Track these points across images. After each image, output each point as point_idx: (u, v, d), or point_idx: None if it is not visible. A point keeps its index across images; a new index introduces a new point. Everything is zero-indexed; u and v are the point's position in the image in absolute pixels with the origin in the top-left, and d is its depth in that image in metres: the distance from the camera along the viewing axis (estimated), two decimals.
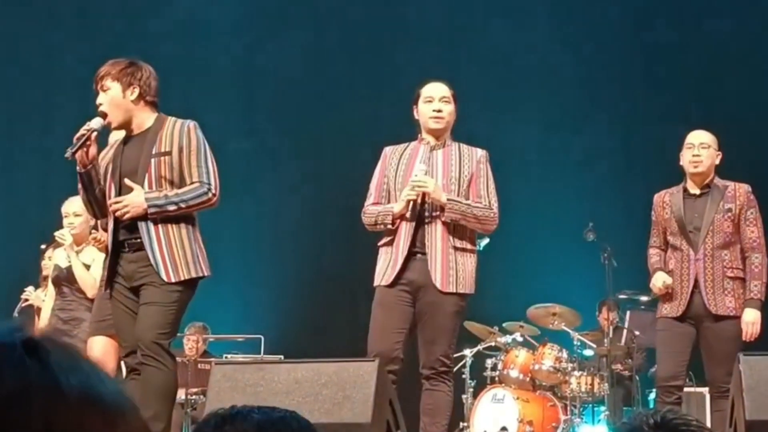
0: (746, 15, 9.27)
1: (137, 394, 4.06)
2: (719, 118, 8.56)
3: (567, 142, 9.33)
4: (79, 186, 4.30)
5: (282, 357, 7.52)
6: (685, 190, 5.13)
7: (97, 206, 4.34)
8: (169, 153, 4.17)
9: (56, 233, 5.84)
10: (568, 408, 7.23)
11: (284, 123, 9.66)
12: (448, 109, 4.63)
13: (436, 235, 4.50)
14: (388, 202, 4.62)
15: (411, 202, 4.48)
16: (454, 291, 4.50)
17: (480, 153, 4.66)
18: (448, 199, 4.46)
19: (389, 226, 4.54)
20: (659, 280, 5.06)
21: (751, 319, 4.90)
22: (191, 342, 8.05)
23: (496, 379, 7.34)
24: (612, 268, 7.05)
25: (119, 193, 4.21)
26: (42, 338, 0.81)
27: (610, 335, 7.38)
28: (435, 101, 4.62)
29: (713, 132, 5.20)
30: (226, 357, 7.89)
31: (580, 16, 9.67)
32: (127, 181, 4.15)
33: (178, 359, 7.32)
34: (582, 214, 8.07)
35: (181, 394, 7.34)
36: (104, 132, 4.44)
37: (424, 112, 4.65)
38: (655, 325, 5.30)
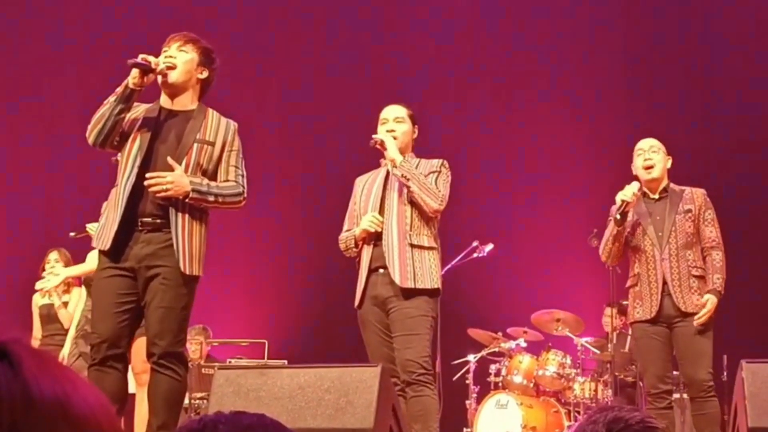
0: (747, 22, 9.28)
1: (103, 386, 3.90)
2: (723, 126, 8.59)
3: (571, 147, 9.33)
4: (113, 99, 3.99)
5: (286, 362, 7.53)
6: (645, 195, 5.20)
7: (110, 129, 4.00)
8: (213, 144, 4.12)
9: (88, 225, 5.91)
10: (572, 414, 7.23)
11: (293, 132, 9.68)
12: (402, 129, 4.79)
13: (392, 233, 4.62)
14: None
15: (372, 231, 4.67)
16: (413, 286, 4.54)
17: (437, 161, 4.79)
18: (401, 162, 4.66)
19: (355, 249, 4.77)
20: (632, 187, 5.05)
21: (711, 306, 4.96)
22: (194, 345, 8.07)
23: (500, 384, 7.34)
24: (616, 274, 7.04)
25: (148, 162, 4.01)
26: (14, 342, 0.79)
27: (614, 341, 7.38)
28: (389, 122, 4.81)
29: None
30: (229, 362, 7.90)
31: (582, 23, 9.67)
32: (169, 159, 3.97)
33: None
34: (586, 220, 8.06)
35: (185, 399, 7.36)
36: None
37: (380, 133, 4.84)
38: (631, 332, 5.33)
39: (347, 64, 9.73)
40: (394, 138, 4.74)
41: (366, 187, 4.85)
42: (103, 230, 4.08)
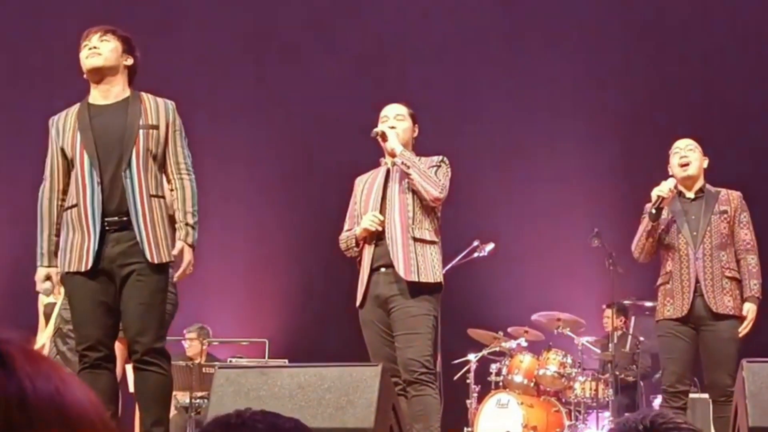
0: (742, 25, 9.28)
1: (96, 389, 3.85)
2: (719, 128, 8.58)
3: (572, 148, 9.33)
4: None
5: (287, 361, 7.53)
6: (681, 194, 5.18)
7: None
8: (157, 127, 4.08)
9: None
10: (572, 413, 7.23)
11: (293, 133, 9.68)
12: (402, 126, 4.81)
13: (395, 227, 4.62)
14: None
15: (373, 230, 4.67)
16: (417, 280, 4.54)
17: (436, 157, 4.81)
18: (401, 151, 4.69)
19: (356, 249, 4.77)
20: (668, 183, 5.08)
21: (752, 315, 5.00)
22: (192, 343, 8.06)
23: (501, 384, 7.34)
24: (616, 274, 7.05)
25: (99, 163, 4.01)
26: (7, 343, 0.80)
27: (615, 341, 7.38)
28: (389, 119, 4.82)
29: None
30: (230, 361, 7.90)
31: (583, 21, 9.67)
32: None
33: (182, 363, 7.37)
34: (587, 220, 8.07)
35: (185, 398, 7.35)
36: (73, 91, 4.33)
37: None
38: (656, 329, 5.31)
39: (346, 63, 9.73)
40: (396, 134, 4.76)
41: (366, 186, 4.86)
42: (71, 254, 4.03)
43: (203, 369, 7.25)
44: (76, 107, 4.18)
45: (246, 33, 9.78)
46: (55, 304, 6.91)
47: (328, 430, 3.66)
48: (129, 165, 4.00)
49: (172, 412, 7.67)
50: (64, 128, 4.12)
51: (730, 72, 9.17)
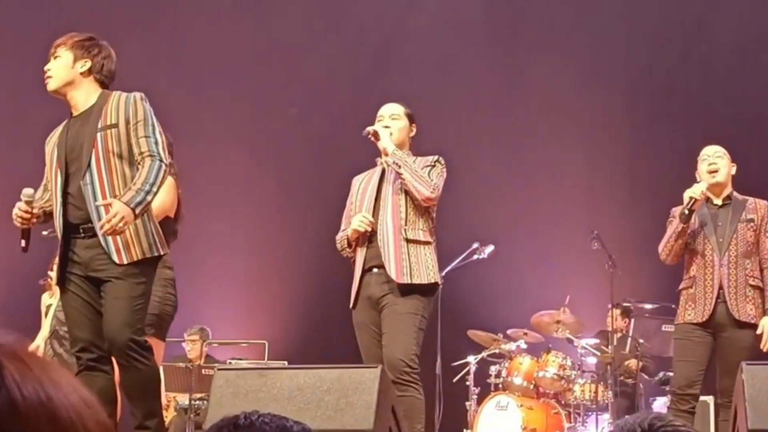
0: (752, 27, 9.27)
1: (93, 391, 3.85)
2: (724, 129, 8.58)
3: (572, 150, 9.33)
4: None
5: (286, 363, 7.53)
6: (708, 200, 5.19)
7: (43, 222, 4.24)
8: (116, 125, 4.03)
9: None
10: (572, 415, 7.23)
11: (291, 133, 9.68)
12: (398, 126, 4.82)
13: (388, 228, 4.63)
14: None
15: (364, 231, 4.68)
16: (409, 281, 4.54)
17: (431, 157, 4.81)
18: (393, 150, 4.71)
19: (349, 250, 4.79)
20: (701, 185, 5.07)
21: None
22: (192, 345, 8.06)
23: (500, 386, 7.34)
24: (616, 276, 7.05)
25: (66, 179, 4.05)
26: None
27: (615, 343, 7.37)
28: (385, 119, 4.84)
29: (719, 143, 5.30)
30: (229, 363, 7.90)
31: (583, 28, 9.67)
32: (96, 202, 3.95)
33: (181, 364, 7.37)
34: (587, 222, 8.07)
35: (184, 399, 7.35)
36: (54, 113, 4.35)
37: None
38: (671, 332, 5.32)
39: (344, 63, 9.73)
40: (390, 133, 4.77)
41: (362, 186, 4.87)
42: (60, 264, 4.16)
43: (202, 370, 7.25)
44: (62, 124, 4.23)
45: (245, 30, 9.78)
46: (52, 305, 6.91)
47: (327, 431, 3.66)
48: (89, 170, 4.00)
49: (172, 413, 7.67)
50: (51, 138, 4.21)
51: (738, 74, 9.17)
